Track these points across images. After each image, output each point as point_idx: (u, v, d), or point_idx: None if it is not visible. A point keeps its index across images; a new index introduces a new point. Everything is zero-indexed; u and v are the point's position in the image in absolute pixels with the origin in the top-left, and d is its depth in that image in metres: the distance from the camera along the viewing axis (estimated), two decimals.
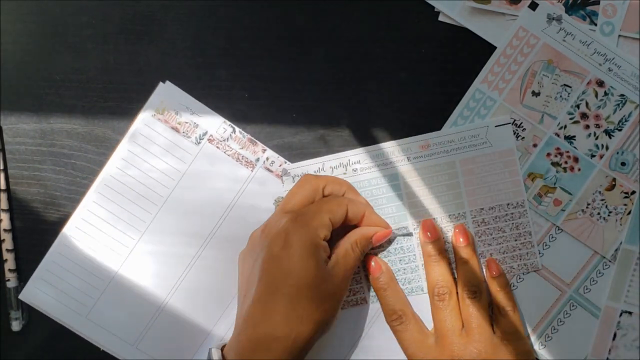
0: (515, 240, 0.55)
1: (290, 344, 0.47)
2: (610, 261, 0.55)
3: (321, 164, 0.56)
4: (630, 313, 0.55)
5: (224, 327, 0.56)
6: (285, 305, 0.47)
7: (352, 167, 0.56)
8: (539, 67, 0.55)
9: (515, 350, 0.52)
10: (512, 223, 0.55)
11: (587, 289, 0.55)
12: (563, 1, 0.55)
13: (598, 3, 0.55)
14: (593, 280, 0.55)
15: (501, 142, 0.55)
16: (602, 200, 0.55)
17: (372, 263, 0.55)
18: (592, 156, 0.55)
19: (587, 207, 0.55)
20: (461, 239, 0.54)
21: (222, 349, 0.49)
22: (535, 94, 0.55)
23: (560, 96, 0.55)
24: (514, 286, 0.55)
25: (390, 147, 0.56)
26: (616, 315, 0.55)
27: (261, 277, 0.48)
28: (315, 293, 0.48)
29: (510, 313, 0.53)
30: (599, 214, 0.55)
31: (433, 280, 0.54)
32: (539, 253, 0.55)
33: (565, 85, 0.55)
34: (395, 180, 0.56)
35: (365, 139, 0.56)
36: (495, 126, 0.55)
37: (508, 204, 0.55)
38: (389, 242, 0.55)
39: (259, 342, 0.47)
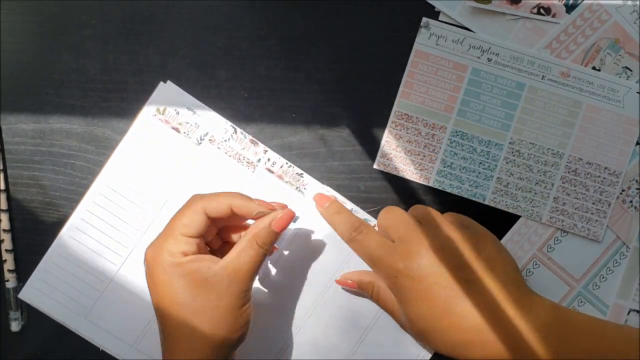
0: (593, 203, 0.55)
1: None
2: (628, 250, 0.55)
3: (463, 37, 0.55)
4: (638, 312, 0.55)
5: None
6: (171, 348, 0.47)
7: (488, 55, 0.55)
8: (604, 44, 0.55)
9: None
10: (599, 187, 0.55)
11: (596, 285, 0.55)
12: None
13: None
14: (603, 277, 0.55)
15: (633, 109, 0.55)
16: (638, 189, 0.55)
17: (318, 197, 0.53)
18: (637, 143, 0.55)
19: (621, 194, 0.55)
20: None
21: None
22: (595, 69, 0.55)
23: (619, 77, 0.55)
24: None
25: (532, 58, 0.55)
26: (624, 313, 0.55)
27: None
28: (196, 319, 0.45)
29: None
30: (631, 202, 0.55)
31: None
32: (604, 226, 0.55)
33: (626, 67, 0.55)
34: (519, 90, 0.55)
35: (366, 138, 0.56)
36: (637, 92, 0.55)
37: (605, 168, 0.55)
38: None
39: None
